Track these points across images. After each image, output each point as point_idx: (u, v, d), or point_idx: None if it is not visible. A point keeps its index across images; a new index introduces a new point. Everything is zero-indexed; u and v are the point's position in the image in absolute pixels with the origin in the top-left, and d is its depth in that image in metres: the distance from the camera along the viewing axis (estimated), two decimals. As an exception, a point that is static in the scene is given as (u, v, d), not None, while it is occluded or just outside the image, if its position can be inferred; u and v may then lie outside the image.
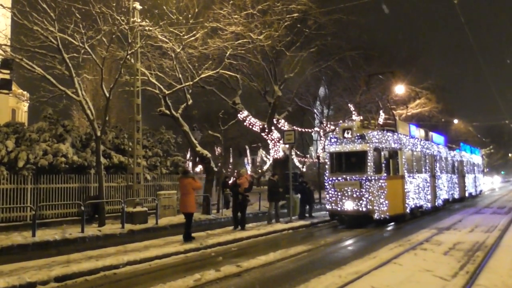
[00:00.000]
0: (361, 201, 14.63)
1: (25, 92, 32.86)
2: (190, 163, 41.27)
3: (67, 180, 16.58)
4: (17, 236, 12.18)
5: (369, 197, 14.52)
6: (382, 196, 14.77)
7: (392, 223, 15.75)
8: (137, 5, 16.15)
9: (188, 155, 40.98)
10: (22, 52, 14.58)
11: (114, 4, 14.77)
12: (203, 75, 18.01)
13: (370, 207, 14.52)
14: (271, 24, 18.53)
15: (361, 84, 22.49)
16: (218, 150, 36.91)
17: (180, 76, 18.32)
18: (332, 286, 6.94)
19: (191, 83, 18.24)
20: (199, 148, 19.95)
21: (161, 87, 18.57)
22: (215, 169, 21.02)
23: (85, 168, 17.36)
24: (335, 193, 15.23)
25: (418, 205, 17.45)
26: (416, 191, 17.39)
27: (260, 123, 24.24)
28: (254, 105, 29.99)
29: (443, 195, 21.67)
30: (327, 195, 15.71)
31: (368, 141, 14.96)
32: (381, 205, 14.75)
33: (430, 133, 22.19)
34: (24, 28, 14.15)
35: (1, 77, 19.51)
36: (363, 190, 14.60)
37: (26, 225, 14.07)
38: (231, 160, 50.97)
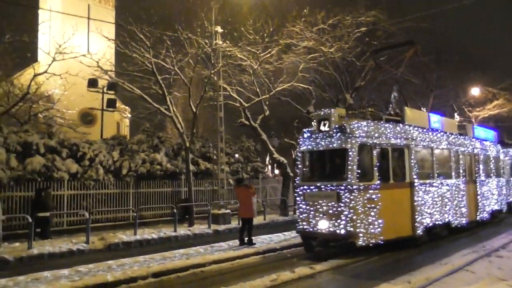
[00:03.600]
0: (339, 220, 9.70)
1: (127, 107, 35.60)
2: (269, 167, 41.82)
3: (161, 185, 17.76)
4: (122, 235, 13.30)
5: (350, 215, 9.57)
6: (372, 213, 9.80)
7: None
8: (219, 29, 16.89)
9: (267, 160, 41.61)
10: (123, 76, 15.96)
11: (199, 30, 15.65)
12: (278, 88, 18.36)
13: (351, 228, 9.52)
14: (341, 37, 18.36)
15: (368, 64, 17.16)
16: (294, 155, 37.04)
17: (258, 89, 18.80)
18: (401, 292, 6.76)
19: (268, 96, 18.65)
20: (276, 155, 20.26)
21: (241, 100, 19.19)
22: (291, 174, 21.18)
23: (177, 174, 18.44)
24: (307, 207, 10.43)
25: (442, 222, 12.13)
26: (437, 203, 11.95)
27: (333, 130, 23.94)
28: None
29: (491, 205, 15.58)
30: (297, 211, 11.20)
31: (350, 135, 10.01)
32: (370, 226, 9.74)
33: (470, 126, 16.22)
34: (125, 56, 15.50)
35: (108, 97, 21.49)
36: (342, 205, 9.70)
37: (129, 224, 15.35)
38: (307, 164, 50.69)
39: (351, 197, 9.64)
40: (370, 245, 9.72)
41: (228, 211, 16.71)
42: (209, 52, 16.34)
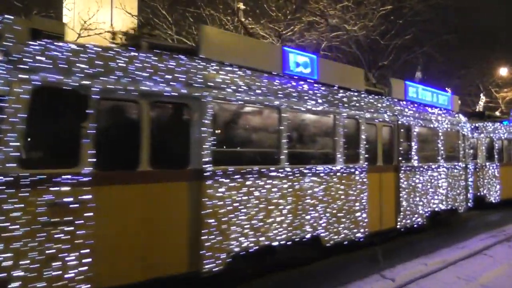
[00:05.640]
0: None
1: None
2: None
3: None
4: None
5: None
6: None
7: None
8: (241, 6, 16.75)
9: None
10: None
11: (221, 7, 15.60)
12: (300, 67, 18.22)
13: None
14: (365, 14, 18.02)
15: None
16: None
17: (279, 68, 18.73)
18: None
19: (289, 74, 18.58)
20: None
21: (262, 78, 19.19)
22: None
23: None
24: None
25: (296, 239, 6.89)
26: (283, 207, 6.62)
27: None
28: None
29: (431, 204, 10.23)
30: None
31: None
32: None
33: (399, 83, 10.22)
34: (147, 32, 15.61)
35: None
36: None
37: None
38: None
39: None
40: None
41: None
42: (231, 29, 16.28)
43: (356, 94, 8.38)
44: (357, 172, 8.10)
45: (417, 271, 7.00)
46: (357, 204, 8.07)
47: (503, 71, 30.38)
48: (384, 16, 19.17)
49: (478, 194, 13.87)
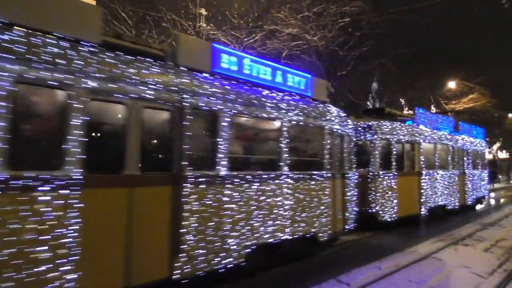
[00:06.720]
0: None
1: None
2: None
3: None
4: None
5: None
6: None
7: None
8: (203, 11, 16.73)
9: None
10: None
11: (183, 12, 15.48)
12: (261, 74, 18.38)
13: None
14: (325, 25, 18.49)
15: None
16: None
17: (240, 75, 18.80)
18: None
19: (250, 81, 18.67)
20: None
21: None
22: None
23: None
24: None
25: None
26: None
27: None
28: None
29: (253, 234, 6.57)
30: None
31: None
32: None
33: (208, 47, 6.47)
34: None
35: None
36: None
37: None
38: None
39: None
40: None
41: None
42: (192, 35, 16.18)
43: (66, 45, 4.67)
44: (46, 188, 4.34)
45: (371, 275, 7.17)
46: (44, 248, 4.28)
47: (451, 84, 32.11)
48: (343, 27, 19.75)
49: (370, 211, 11.05)
